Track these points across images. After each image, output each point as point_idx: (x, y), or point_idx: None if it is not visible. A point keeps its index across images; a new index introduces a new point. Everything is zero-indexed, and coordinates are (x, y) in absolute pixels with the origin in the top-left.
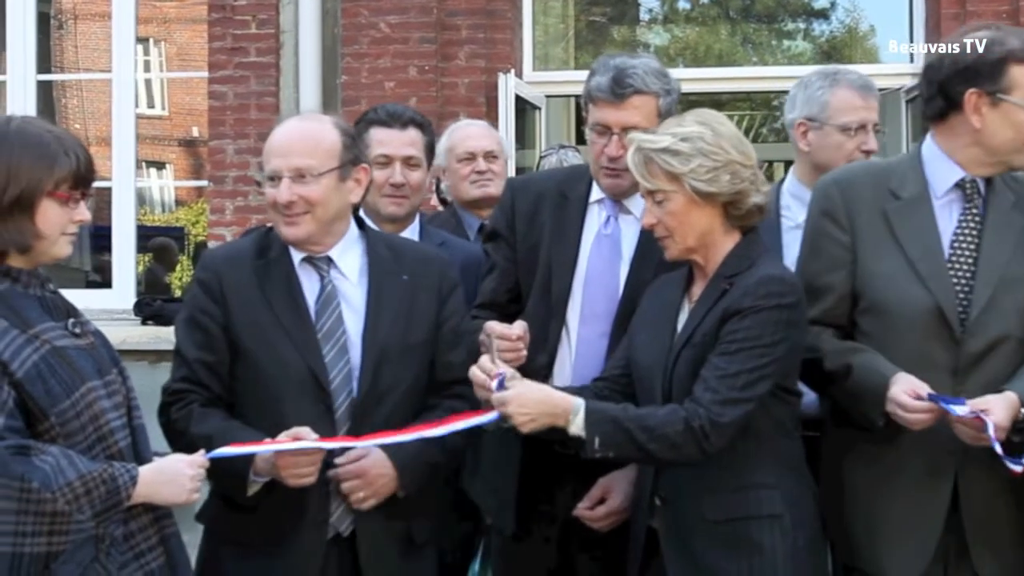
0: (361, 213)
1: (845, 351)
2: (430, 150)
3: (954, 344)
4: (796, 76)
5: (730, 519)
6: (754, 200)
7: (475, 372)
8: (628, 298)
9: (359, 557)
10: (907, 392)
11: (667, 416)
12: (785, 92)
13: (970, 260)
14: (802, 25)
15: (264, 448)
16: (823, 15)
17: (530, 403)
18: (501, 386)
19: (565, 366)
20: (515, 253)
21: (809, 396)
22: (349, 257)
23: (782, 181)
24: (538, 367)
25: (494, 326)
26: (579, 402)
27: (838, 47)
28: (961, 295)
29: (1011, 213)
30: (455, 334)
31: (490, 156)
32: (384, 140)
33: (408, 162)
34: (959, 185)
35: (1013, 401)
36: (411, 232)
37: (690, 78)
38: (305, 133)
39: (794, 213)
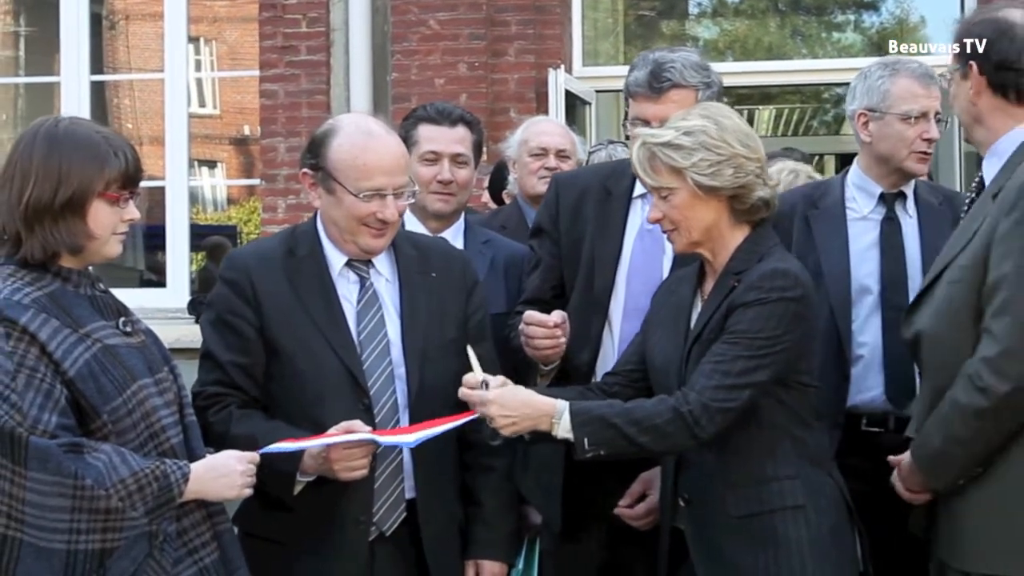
0: (407, 209)
1: None
2: (478, 148)
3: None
4: (846, 68)
5: (753, 514)
6: (759, 194)
7: (462, 390)
8: None
9: (423, 548)
10: None
11: (655, 406)
12: (835, 84)
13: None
14: (852, 17)
15: (316, 443)
16: (873, 7)
17: (511, 405)
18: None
19: (608, 362)
20: (559, 249)
21: (874, 392)
22: (382, 257)
23: (846, 173)
24: (580, 363)
25: (532, 314)
26: (563, 404)
27: (888, 39)
28: None
29: (988, 203)
30: (481, 328)
31: (562, 155)
32: (433, 137)
33: (456, 159)
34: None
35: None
36: (455, 229)
37: (739, 71)
38: (399, 151)
39: (859, 205)
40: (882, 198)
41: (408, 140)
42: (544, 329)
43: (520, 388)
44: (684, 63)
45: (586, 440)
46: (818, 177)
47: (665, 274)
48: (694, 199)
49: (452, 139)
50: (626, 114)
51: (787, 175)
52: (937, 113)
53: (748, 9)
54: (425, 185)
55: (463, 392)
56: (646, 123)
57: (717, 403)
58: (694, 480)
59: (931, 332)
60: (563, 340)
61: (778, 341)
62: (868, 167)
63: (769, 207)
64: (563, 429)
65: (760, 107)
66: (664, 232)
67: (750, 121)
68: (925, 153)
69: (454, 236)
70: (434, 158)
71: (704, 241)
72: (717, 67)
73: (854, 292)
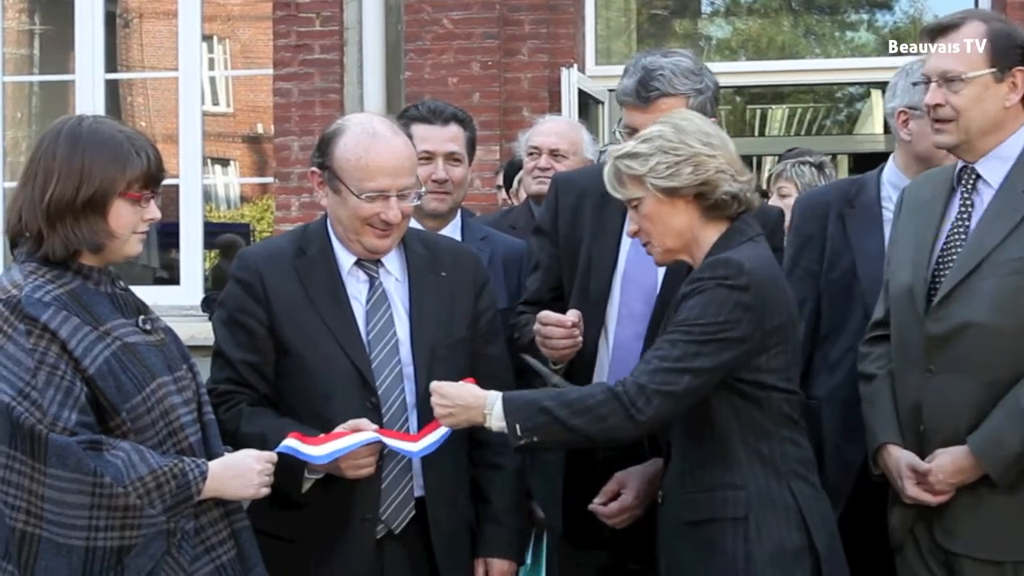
0: None
1: (863, 399)
2: (472, 146)
3: (922, 326)
4: (859, 68)
5: (699, 520)
6: (725, 189)
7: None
8: (663, 298)
9: (433, 546)
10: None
11: (590, 388)
12: (848, 84)
13: (960, 246)
14: (865, 16)
15: (325, 454)
16: (886, 6)
17: (449, 395)
18: None
19: (604, 368)
20: (558, 250)
21: None
22: (392, 256)
23: (881, 170)
24: (576, 370)
25: (548, 315)
26: (495, 394)
27: (902, 38)
28: (940, 279)
29: (1020, 198)
30: (491, 327)
31: (556, 154)
32: (426, 136)
33: (450, 158)
34: (960, 174)
35: (959, 459)
36: (453, 228)
37: (753, 71)
38: (404, 152)
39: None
40: None
41: None
42: (563, 329)
43: (467, 383)
44: (674, 70)
45: (518, 426)
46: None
47: (659, 279)
48: (659, 204)
49: (445, 138)
50: (620, 120)
51: None
52: None
53: (761, 8)
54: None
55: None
56: (636, 132)
57: (654, 385)
58: (668, 480)
59: (988, 323)
60: (580, 339)
61: (721, 329)
62: (906, 165)
63: (740, 201)
64: (496, 418)
65: (773, 106)
66: (643, 245)
67: (763, 120)
68: None
69: (451, 234)
70: (428, 157)
71: (680, 247)
72: (730, 66)
73: None
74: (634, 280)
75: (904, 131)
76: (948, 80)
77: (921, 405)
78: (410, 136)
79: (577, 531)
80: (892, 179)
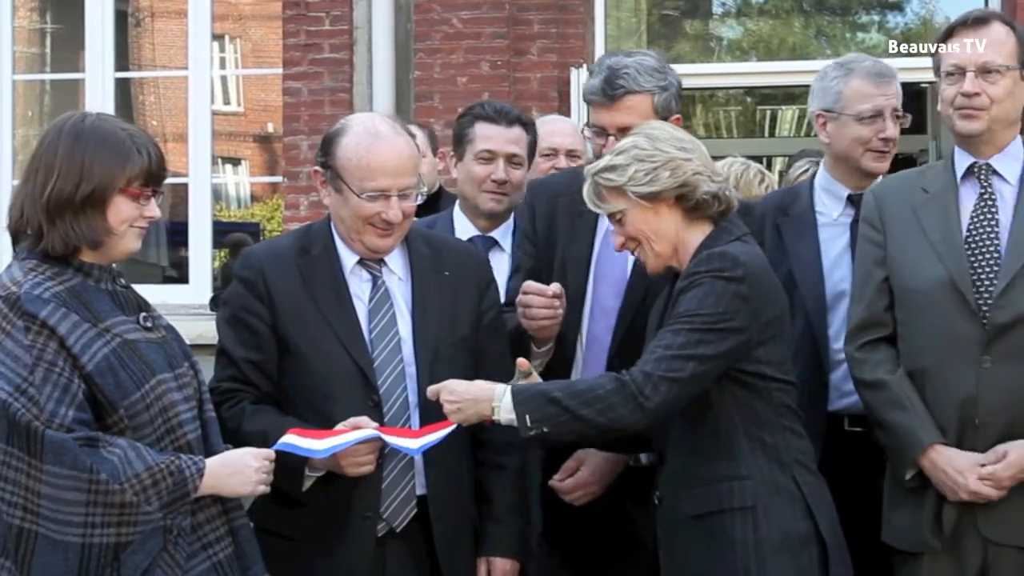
0: (457, 208)
1: (883, 404)
2: (532, 149)
3: (976, 317)
4: None
5: (705, 513)
6: (705, 189)
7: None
8: (631, 291)
9: (435, 544)
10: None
11: (597, 379)
12: None
13: (993, 237)
14: (876, 17)
15: (324, 449)
16: (897, 7)
17: (457, 391)
18: None
19: (578, 365)
20: (538, 251)
21: (856, 396)
22: (395, 256)
23: (814, 177)
24: (557, 368)
25: (531, 284)
26: (504, 387)
27: (912, 39)
28: (983, 270)
29: None
30: (495, 326)
31: (572, 154)
32: (489, 136)
33: (511, 160)
34: (971, 170)
35: None
36: (505, 229)
37: (763, 71)
38: (406, 152)
39: (828, 208)
40: (850, 200)
41: (463, 138)
42: (543, 298)
43: (477, 380)
44: (638, 68)
45: (528, 417)
46: (765, 172)
47: (628, 273)
48: (643, 211)
49: (508, 139)
50: (587, 121)
51: (738, 167)
52: (895, 111)
53: (772, 9)
54: (478, 184)
55: (429, 390)
56: (603, 131)
57: (660, 372)
58: (666, 479)
59: None
60: (560, 312)
61: (720, 319)
62: (832, 168)
63: (720, 200)
64: (505, 410)
65: (783, 107)
66: (634, 256)
67: (773, 121)
68: (882, 151)
69: (503, 235)
70: (489, 157)
71: (669, 252)
72: (740, 67)
73: (829, 298)
74: (605, 275)
75: (823, 134)
76: (986, 71)
77: (976, 398)
78: (471, 135)
79: (556, 530)
80: (823, 183)
